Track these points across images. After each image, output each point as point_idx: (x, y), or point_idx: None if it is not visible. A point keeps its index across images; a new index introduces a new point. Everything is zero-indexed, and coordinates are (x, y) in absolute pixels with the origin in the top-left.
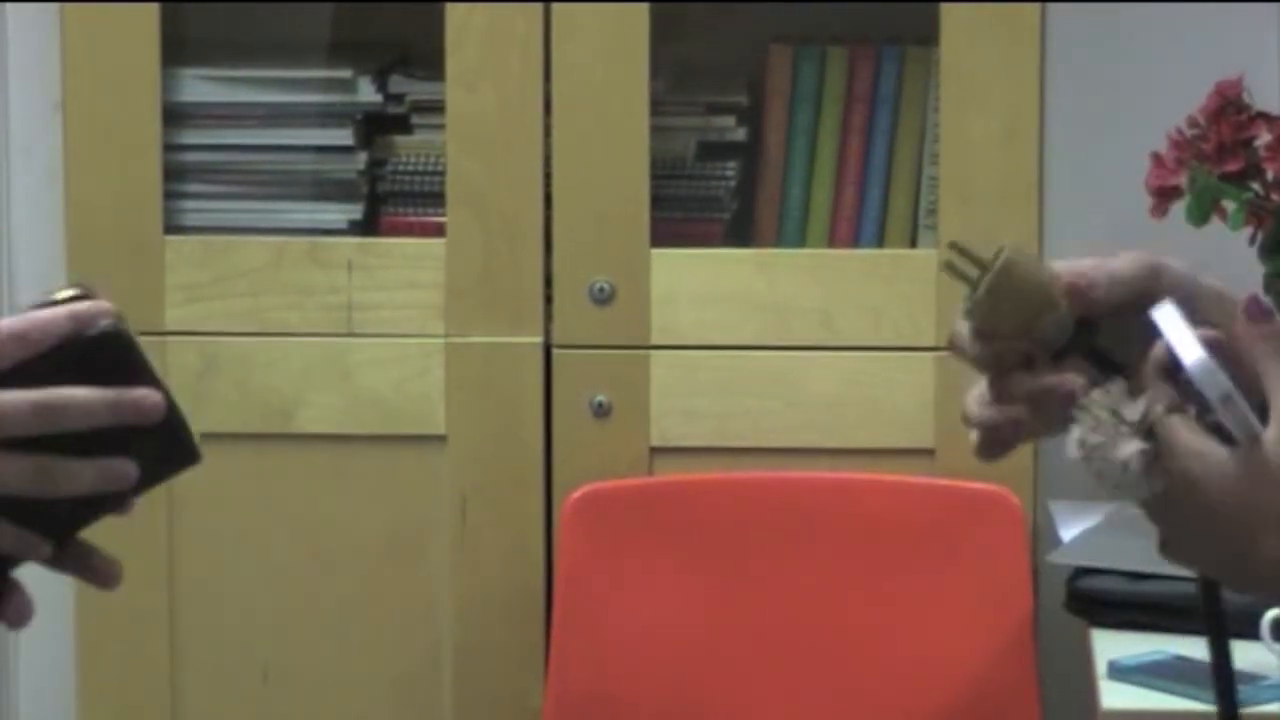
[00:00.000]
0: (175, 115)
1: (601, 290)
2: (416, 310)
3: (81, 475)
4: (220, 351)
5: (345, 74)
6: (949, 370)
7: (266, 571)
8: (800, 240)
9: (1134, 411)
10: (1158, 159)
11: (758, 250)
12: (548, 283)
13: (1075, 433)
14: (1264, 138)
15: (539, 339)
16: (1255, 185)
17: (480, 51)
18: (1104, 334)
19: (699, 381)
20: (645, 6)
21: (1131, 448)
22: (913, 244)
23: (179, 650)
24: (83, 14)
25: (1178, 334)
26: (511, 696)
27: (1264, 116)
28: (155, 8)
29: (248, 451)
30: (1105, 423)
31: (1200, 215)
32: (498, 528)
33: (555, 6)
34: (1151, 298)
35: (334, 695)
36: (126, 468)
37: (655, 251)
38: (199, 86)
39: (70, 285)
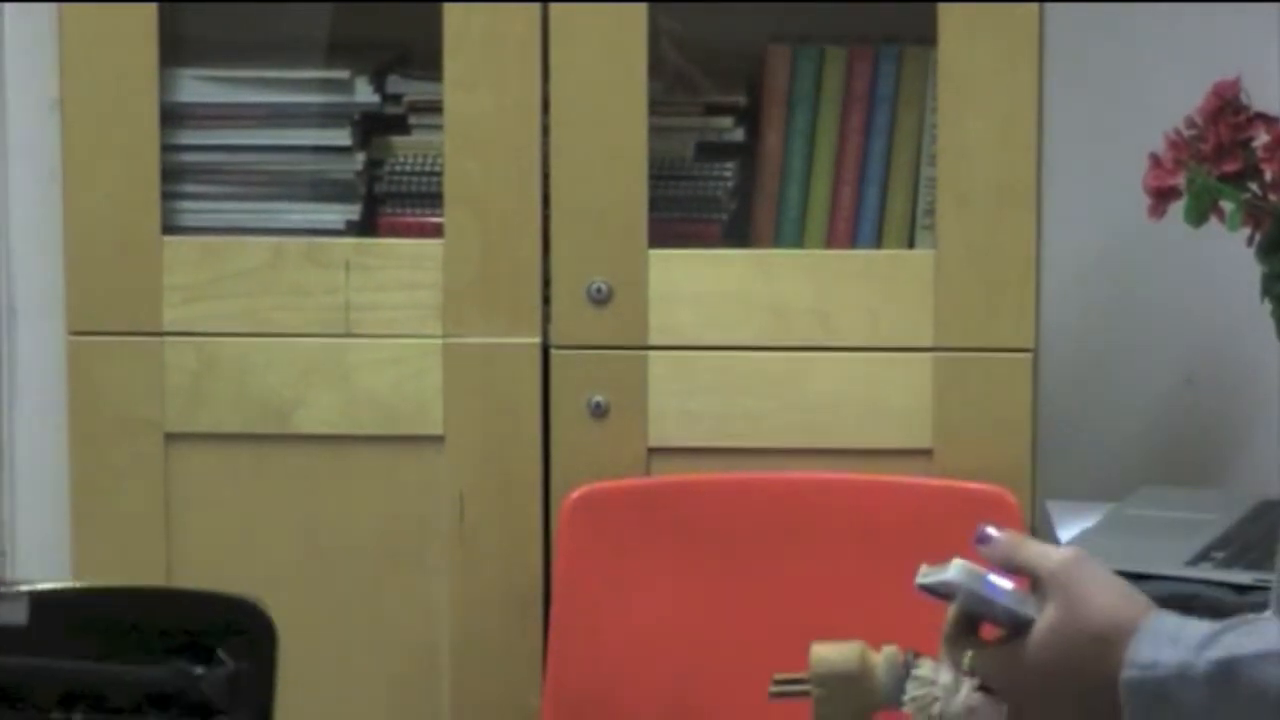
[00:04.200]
0: (173, 115)
1: (599, 291)
2: (414, 311)
3: None
4: (218, 352)
5: (343, 74)
6: (946, 370)
7: (264, 572)
8: (798, 240)
9: (945, 671)
10: (1155, 160)
11: (755, 251)
12: (546, 283)
13: None
14: (1262, 138)
15: (537, 339)
16: (1253, 186)
17: (478, 52)
18: None
19: (697, 382)
20: (643, 7)
21: (961, 694)
22: (910, 244)
23: None
24: (81, 14)
25: (933, 573)
26: (509, 696)
27: (1262, 117)
28: (153, 8)
29: (245, 452)
30: (929, 697)
31: (1198, 216)
32: (496, 528)
33: (553, 7)
34: None
35: (331, 694)
36: None
37: (653, 252)
38: (197, 87)
39: None
